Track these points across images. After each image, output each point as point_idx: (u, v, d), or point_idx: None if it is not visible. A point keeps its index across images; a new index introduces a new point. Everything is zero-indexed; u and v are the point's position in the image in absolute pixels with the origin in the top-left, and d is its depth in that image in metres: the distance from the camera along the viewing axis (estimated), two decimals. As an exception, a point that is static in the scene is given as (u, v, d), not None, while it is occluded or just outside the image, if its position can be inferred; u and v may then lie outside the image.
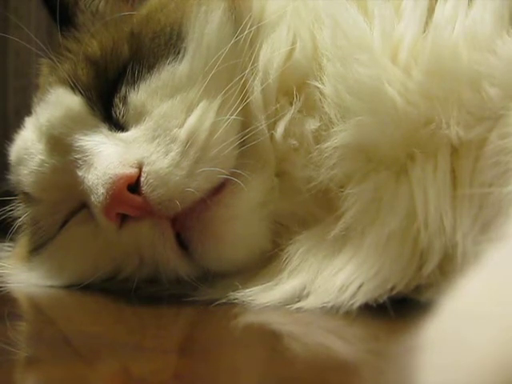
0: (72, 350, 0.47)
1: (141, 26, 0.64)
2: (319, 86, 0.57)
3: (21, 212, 0.69)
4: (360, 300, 0.52)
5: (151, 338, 0.49)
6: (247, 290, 0.57)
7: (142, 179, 0.56)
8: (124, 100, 0.62)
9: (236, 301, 0.56)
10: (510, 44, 0.50)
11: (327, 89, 0.57)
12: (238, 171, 0.58)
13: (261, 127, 0.59)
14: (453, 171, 0.52)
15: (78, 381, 0.38)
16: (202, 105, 0.59)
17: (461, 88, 0.50)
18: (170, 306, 0.58)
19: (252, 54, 0.60)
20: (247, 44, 0.60)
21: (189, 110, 0.59)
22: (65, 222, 0.67)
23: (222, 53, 0.59)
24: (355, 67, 0.54)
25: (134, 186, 0.56)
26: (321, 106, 0.57)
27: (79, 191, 0.61)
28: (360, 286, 0.52)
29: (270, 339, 0.48)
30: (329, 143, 0.56)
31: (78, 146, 0.61)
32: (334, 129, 0.56)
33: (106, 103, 0.63)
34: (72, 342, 0.49)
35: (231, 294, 0.57)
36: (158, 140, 0.58)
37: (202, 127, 0.58)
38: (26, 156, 0.67)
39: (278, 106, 0.59)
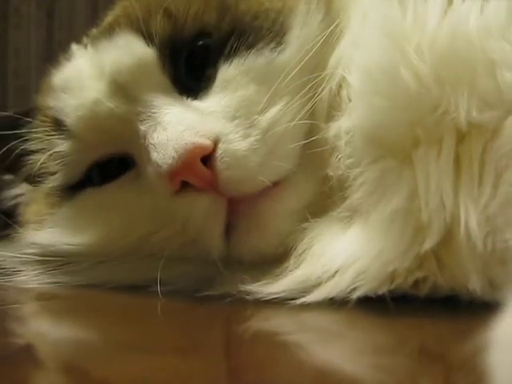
0: (75, 350, 0.47)
1: None
2: (347, 76, 0.59)
3: (44, 144, 0.67)
4: (361, 286, 0.52)
5: (158, 338, 0.48)
6: (256, 283, 0.57)
7: (217, 155, 0.56)
8: (210, 68, 0.62)
9: (247, 296, 0.56)
10: None
11: (353, 78, 0.58)
12: (296, 171, 0.60)
13: (326, 135, 0.60)
14: (457, 156, 0.52)
15: (79, 381, 0.38)
16: (285, 98, 0.60)
17: (475, 74, 0.51)
18: (180, 305, 0.58)
19: (328, 60, 0.62)
20: (329, 51, 0.62)
21: (272, 101, 0.59)
22: (94, 163, 0.65)
23: (308, 52, 0.60)
24: (379, 52, 0.55)
25: (204, 158, 0.56)
26: (348, 101, 0.58)
27: (129, 143, 0.61)
28: (362, 267, 0.53)
29: (274, 348, 0.48)
30: (346, 124, 0.57)
31: (145, 100, 0.60)
32: (351, 109, 0.57)
33: (178, 64, 0.62)
34: (75, 343, 0.49)
35: (242, 286, 0.57)
36: (237, 121, 0.58)
37: (283, 120, 0.59)
38: (77, 87, 0.64)
39: (338, 112, 0.60)
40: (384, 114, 0.54)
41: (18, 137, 0.68)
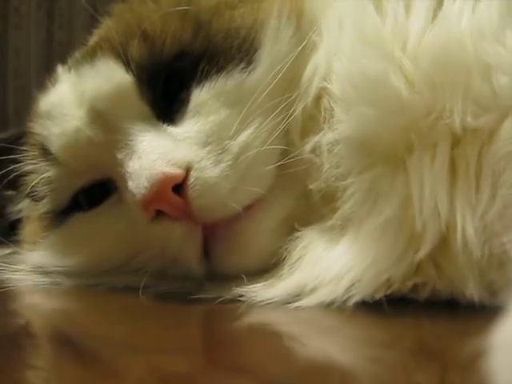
0: (73, 350, 0.47)
1: (210, 15, 0.63)
2: (327, 85, 0.58)
3: (34, 168, 0.67)
4: (357, 294, 0.52)
5: (153, 338, 0.49)
6: (250, 287, 0.57)
7: (189, 183, 0.56)
8: (184, 92, 0.61)
9: (240, 298, 0.56)
10: None
11: (334, 87, 0.57)
12: (272, 190, 0.60)
13: (302, 156, 0.59)
14: (452, 161, 0.52)
15: (78, 381, 0.38)
16: (257, 121, 0.59)
17: (469, 78, 0.50)
18: (174, 305, 0.59)
19: (301, 76, 0.61)
20: (302, 66, 0.61)
21: (243, 124, 0.59)
22: (81, 189, 0.66)
23: (280, 70, 0.59)
24: (361, 61, 0.55)
25: (177, 186, 0.56)
26: (331, 109, 0.58)
27: (110, 170, 0.61)
28: (355, 277, 0.52)
29: (271, 340, 0.48)
30: (331, 136, 0.57)
31: (122, 128, 0.60)
32: (336, 121, 0.56)
33: (155, 88, 0.62)
34: (73, 343, 0.49)
35: (235, 289, 0.57)
36: (209, 147, 0.58)
37: (254, 144, 0.58)
38: (59, 115, 0.65)
39: (318, 124, 0.59)
40: (375, 122, 0.54)
41: (12, 160, 0.68)
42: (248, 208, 0.59)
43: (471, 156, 0.51)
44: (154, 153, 0.57)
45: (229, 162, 0.57)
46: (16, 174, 0.68)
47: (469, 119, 0.50)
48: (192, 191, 0.56)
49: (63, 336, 0.52)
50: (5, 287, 0.66)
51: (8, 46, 1.98)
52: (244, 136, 0.58)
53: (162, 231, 0.59)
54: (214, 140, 0.58)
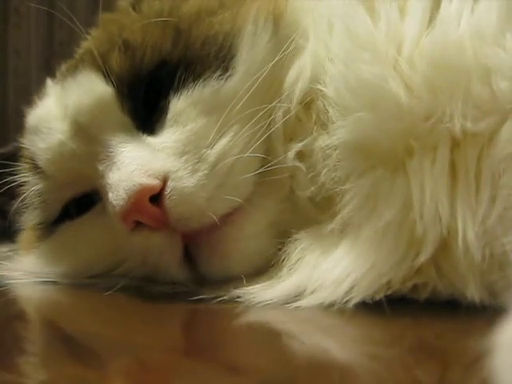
0: (69, 350, 0.47)
1: (189, 23, 0.63)
2: (322, 88, 0.57)
3: (27, 180, 0.68)
4: (356, 296, 0.52)
5: (151, 337, 0.49)
6: (249, 288, 0.57)
7: (166, 193, 0.56)
8: (162, 102, 0.61)
9: (238, 299, 0.56)
10: None
11: (329, 90, 0.57)
12: (252, 196, 0.59)
13: (283, 165, 0.59)
14: (452, 164, 0.52)
15: (75, 381, 0.38)
16: (234, 129, 0.59)
17: (469, 82, 0.50)
18: (172, 304, 0.59)
19: (282, 81, 0.60)
20: (283, 71, 0.60)
21: (220, 132, 0.59)
22: (71, 200, 0.67)
23: (258, 77, 0.59)
24: (357, 65, 0.54)
25: (155, 196, 0.56)
26: (325, 112, 0.57)
27: (94, 181, 0.62)
28: (355, 280, 0.52)
29: (269, 339, 0.48)
30: (328, 141, 0.56)
31: (102, 140, 0.61)
32: (334, 126, 0.56)
33: (136, 99, 0.62)
34: (69, 342, 0.50)
35: (233, 291, 0.57)
36: (186, 156, 0.58)
37: (231, 152, 0.58)
38: (44, 129, 0.65)
39: (303, 134, 0.59)
40: (374, 127, 0.53)
41: (10, 173, 0.69)
42: (227, 216, 0.58)
43: (471, 159, 0.51)
44: (132, 164, 0.57)
45: (205, 171, 0.57)
46: (14, 184, 0.69)
47: (469, 124, 0.50)
48: (169, 201, 0.56)
49: (54, 327, 0.53)
50: (3, 286, 0.67)
51: (8, 46, 1.98)
52: (221, 144, 0.58)
53: (141, 241, 0.59)
54: (191, 149, 0.58)
